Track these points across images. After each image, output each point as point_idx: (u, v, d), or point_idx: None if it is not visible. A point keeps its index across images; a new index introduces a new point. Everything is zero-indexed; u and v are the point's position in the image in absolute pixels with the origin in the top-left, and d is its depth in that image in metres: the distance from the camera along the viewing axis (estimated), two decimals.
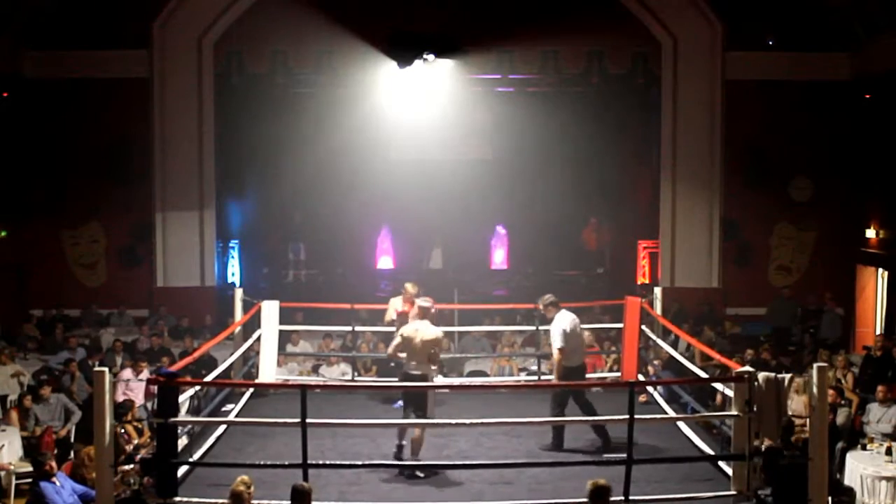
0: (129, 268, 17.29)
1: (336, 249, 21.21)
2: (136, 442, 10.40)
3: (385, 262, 21.71)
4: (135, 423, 10.73)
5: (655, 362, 12.54)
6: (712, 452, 9.09)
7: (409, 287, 10.79)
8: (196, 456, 8.87)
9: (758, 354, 13.12)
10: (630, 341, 11.68)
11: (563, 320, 9.57)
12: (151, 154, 16.95)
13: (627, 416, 7.60)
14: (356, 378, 12.62)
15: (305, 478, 7.42)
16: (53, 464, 8.54)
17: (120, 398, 11.82)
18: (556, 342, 9.45)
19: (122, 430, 10.34)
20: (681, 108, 16.99)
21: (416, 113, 17.45)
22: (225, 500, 7.15)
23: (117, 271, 17.36)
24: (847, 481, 10.10)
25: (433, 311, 9.22)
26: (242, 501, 6.99)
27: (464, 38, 16.16)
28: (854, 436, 10.82)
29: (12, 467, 10.44)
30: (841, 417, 10.98)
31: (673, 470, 8.57)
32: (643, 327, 11.60)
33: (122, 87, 16.77)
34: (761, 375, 7.77)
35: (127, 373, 12.63)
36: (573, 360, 9.60)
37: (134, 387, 12.16)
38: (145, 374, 12.46)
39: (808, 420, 7.82)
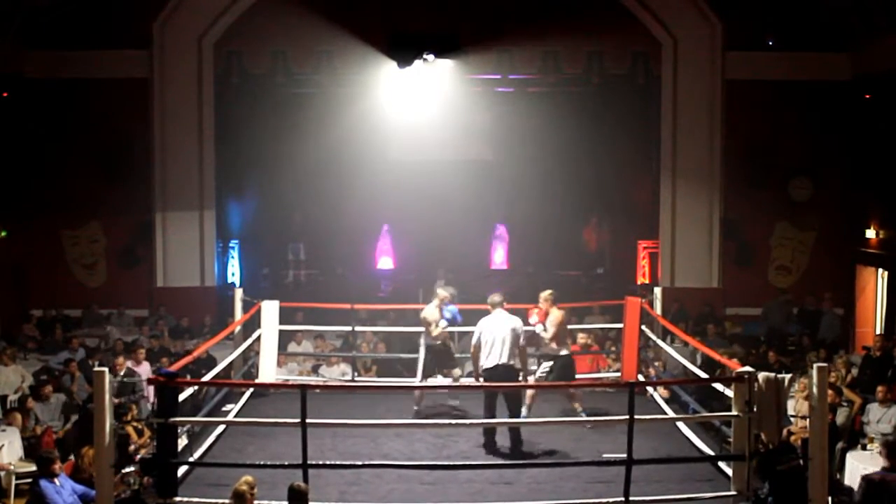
0: (129, 268, 17.28)
1: (336, 249, 21.21)
2: (136, 442, 10.39)
3: (385, 263, 21.71)
4: (134, 424, 10.73)
5: (656, 363, 12.55)
6: (712, 453, 9.10)
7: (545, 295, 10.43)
8: (196, 456, 8.88)
9: (749, 354, 13.10)
10: (630, 341, 11.69)
11: (484, 321, 9.70)
12: (151, 154, 16.94)
13: (627, 417, 7.61)
14: (356, 378, 12.62)
15: (305, 478, 7.43)
16: (59, 463, 8.55)
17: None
18: (473, 339, 9.75)
19: (122, 431, 10.34)
20: (681, 108, 16.98)
21: (416, 113, 17.46)
22: (225, 500, 7.16)
23: (117, 271, 17.35)
24: (847, 481, 10.09)
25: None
26: (245, 501, 6.99)
27: (464, 38, 16.17)
28: (854, 436, 10.82)
29: (12, 467, 10.44)
30: (841, 417, 10.98)
31: (673, 470, 8.58)
32: (643, 327, 11.61)
33: (122, 87, 16.76)
34: (761, 375, 7.78)
35: (128, 365, 12.62)
36: (490, 362, 9.49)
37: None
38: (145, 367, 12.46)
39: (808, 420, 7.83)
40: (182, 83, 16.85)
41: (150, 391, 11.83)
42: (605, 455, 8.91)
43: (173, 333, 15.69)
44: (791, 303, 16.85)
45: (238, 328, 11.77)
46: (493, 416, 9.37)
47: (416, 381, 11.03)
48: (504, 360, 9.42)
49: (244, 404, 11.04)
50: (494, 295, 9.90)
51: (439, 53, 15.98)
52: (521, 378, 9.59)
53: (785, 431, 10.36)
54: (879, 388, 11.07)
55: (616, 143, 19.26)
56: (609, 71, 16.92)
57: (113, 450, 7.55)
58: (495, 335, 9.50)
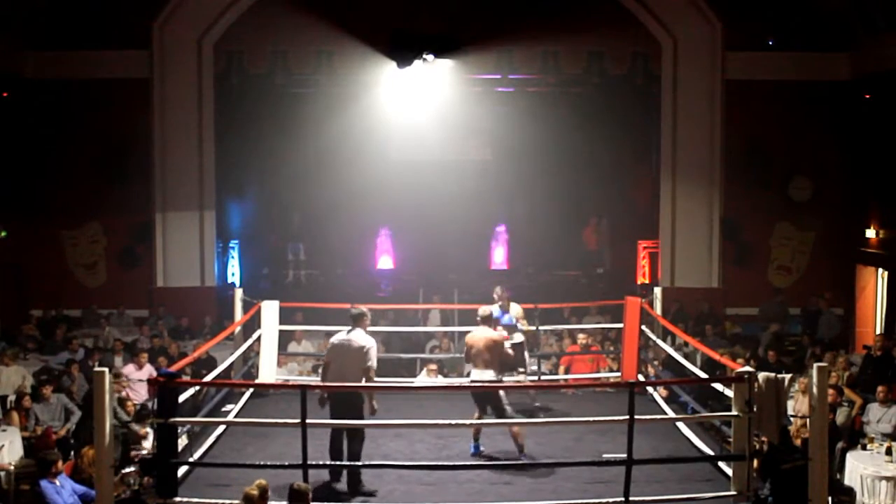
0: (129, 268, 17.28)
1: (336, 249, 21.20)
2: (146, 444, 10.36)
3: (385, 263, 21.69)
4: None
5: (655, 362, 12.56)
6: (712, 453, 9.11)
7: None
8: (196, 456, 8.89)
9: (753, 357, 13.09)
10: (630, 341, 11.69)
11: (333, 339, 8.90)
12: (151, 154, 16.94)
13: (627, 417, 7.61)
14: None
15: (305, 478, 7.44)
16: (60, 463, 8.55)
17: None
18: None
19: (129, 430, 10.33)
20: (681, 108, 16.98)
21: (416, 113, 17.46)
22: (225, 500, 7.17)
23: (117, 271, 17.35)
24: (847, 481, 10.10)
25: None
26: None
27: (464, 38, 16.17)
28: (854, 436, 10.82)
29: (12, 467, 10.43)
30: (841, 417, 10.98)
31: (673, 470, 8.59)
32: (643, 327, 11.61)
33: (122, 87, 16.76)
34: (761, 375, 7.78)
35: (129, 368, 12.63)
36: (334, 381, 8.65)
37: (136, 386, 12.17)
38: (147, 368, 12.47)
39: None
40: (182, 83, 16.84)
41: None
42: (605, 455, 8.91)
43: (173, 334, 15.68)
44: (786, 304, 16.83)
45: (238, 328, 11.78)
46: (340, 451, 8.49)
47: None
48: (343, 382, 8.55)
49: (244, 404, 11.04)
50: (354, 308, 9.03)
51: (439, 53, 15.98)
52: (364, 405, 8.58)
53: (793, 430, 10.40)
54: (880, 388, 11.08)
55: (616, 143, 19.26)
56: (609, 71, 16.91)
57: (113, 450, 7.55)
58: (340, 357, 8.70)
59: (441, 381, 12.50)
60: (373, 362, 8.71)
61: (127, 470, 8.91)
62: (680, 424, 9.93)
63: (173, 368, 8.80)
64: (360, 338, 8.76)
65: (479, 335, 9.34)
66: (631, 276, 18.57)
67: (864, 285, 16.67)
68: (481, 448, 9.31)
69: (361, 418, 8.56)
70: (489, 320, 9.51)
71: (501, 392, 9.12)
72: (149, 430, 10.12)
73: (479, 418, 9.17)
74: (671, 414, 10.73)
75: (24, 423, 11.32)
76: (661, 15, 16.72)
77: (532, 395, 11.09)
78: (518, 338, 10.74)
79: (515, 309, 10.96)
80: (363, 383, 8.58)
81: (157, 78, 16.81)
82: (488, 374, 9.18)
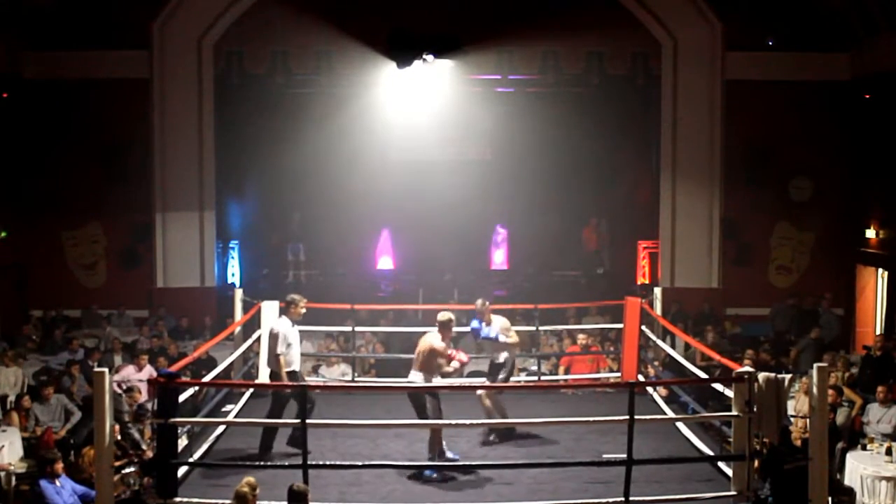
0: (129, 268, 17.28)
1: (336, 250, 21.18)
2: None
3: (385, 263, 21.69)
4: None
5: (655, 363, 12.56)
6: (712, 453, 9.11)
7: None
8: (196, 456, 8.89)
9: (758, 355, 13.10)
10: (630, 341, 11.70)
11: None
12: (151, 154, 16.94)
13: (627, 417, 7.61)
14: (356, 378, 12.63)
15: (305, 478, 7.44)
16: (61, 464, 8.55)
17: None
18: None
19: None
20: (681, 108, 16.98)
21: (415, 113, 17.46)
22: (225, 501, 7.17)
23: (117, 272, 17.35)
24: (847, 481, 10.10)
25: None
26: (247, 503, 6.99)
27: (464, 38, 16.16)
28: (854, 436, 10.82)
29: (12, 467, 10.43)
30: (841, 417, 10.99)
31: (673, 470, 8.59)
32: (643, 327, 11.61)
33: (122, 87, 16.76)
34: (761, 376, 7.79)
35: (129, 369, 12.64)
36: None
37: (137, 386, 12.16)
38: (147, 369, 12.47)
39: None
40: (182, 83, 16.84)
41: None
42: (605, 455, 8.91)
43: (173, 334, 15.68)
44: (796, 306, 16.79)
45: (238, 329, 11.78)
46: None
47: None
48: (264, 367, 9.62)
49: (244, 404, 11.04)
50: (293, 294, 9.91)
51: (439, 53, 15.97)
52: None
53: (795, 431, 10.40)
54: (879, 389, 11.08)
55: (616, 143, 19.23)
56: (609, 71, 16.91)
57: (113, 450, 7.56)
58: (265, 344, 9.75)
59: (440, 381, 12.47)
60: (279, 348, 9.40)
61: (127, 470, 8.92)
62: (680, 424, 9.93)
63: (173, 369, 8.80)
64: (276, 325, 9.57)
65: (425, 339, 9.25)
66: (631, 276, 18.56)
67: (864, 285, 16.67)
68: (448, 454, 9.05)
69: (281, 404, 9.40)
70: (446, 327, 9.22)
71: (429, 397, 8.87)
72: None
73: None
74: (671, 414, 10.73)
75: (24, 423, 11.33)
76: (661, 15, 16.73)
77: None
78: (501, 357, 10.00)
79: (500, 322, 10.03)
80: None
81: (157, 78, 16.81)
82: (418, 377, 9.11)
